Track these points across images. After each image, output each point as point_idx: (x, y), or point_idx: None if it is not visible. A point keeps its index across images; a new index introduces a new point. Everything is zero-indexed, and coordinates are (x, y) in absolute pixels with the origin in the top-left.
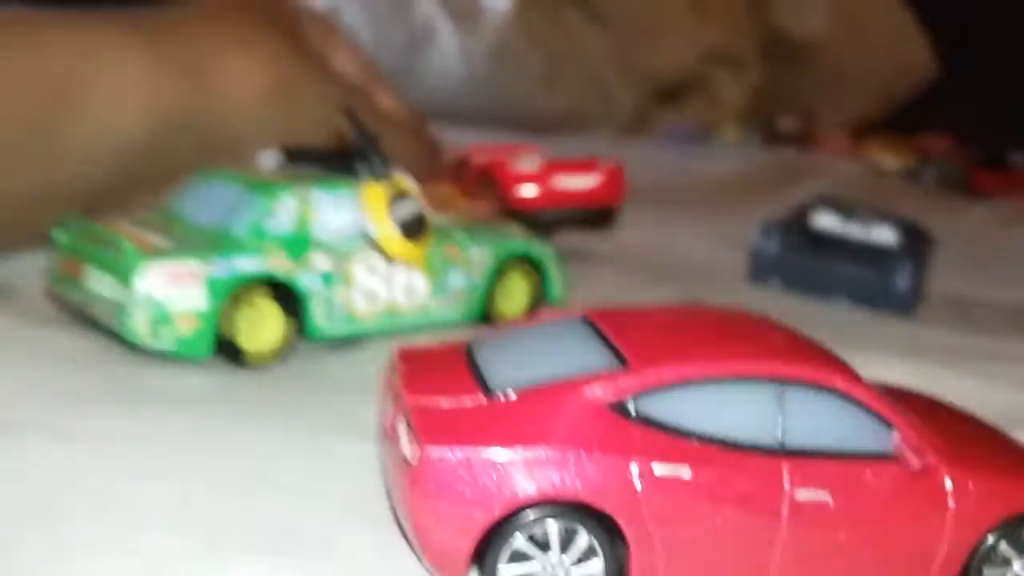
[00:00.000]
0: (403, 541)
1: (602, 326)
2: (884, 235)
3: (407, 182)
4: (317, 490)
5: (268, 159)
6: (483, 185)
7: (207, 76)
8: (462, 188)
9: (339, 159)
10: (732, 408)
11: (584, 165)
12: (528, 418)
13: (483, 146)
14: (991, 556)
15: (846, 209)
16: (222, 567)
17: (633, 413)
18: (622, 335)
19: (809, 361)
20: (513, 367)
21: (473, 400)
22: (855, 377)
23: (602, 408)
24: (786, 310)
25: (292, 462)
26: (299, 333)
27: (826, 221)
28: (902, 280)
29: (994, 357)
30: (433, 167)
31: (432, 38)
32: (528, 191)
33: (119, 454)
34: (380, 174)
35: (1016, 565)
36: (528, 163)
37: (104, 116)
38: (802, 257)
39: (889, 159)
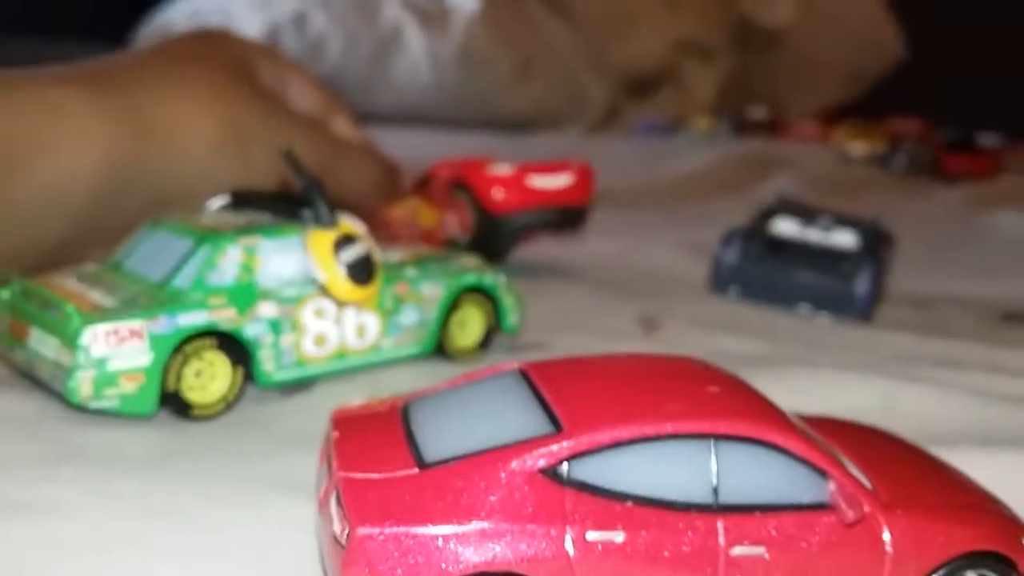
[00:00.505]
0: None
1: (538, 382)
2: (844, 239)
3: (353, 225)
4: (259, 556)
5: (216, 204)
6: (456, 193)
7: (156, 128)
8: (431, 201)
9: (286, 204)
10: (666, 467)
11: (555, 166)
12: (460, 490)
13: (448, 160)
14: None
15: (806, 214)
16: None
17: (567, 478)
18: (558, 394)
19: (743, 415)
20: (447, 433)
21: (405, 472)
22: (789, 428)
23: (535, 475)
24: (746, 320)
25: (234, 527)
26: (248, 380)
27: (785, 227)
28: (861, 286)
29: (953, 362)
30: (394, 190)
31: (400, 41)
32: (504, 192)
33: (63, 525)
34: (325, 219)
35: None
36: (501, 167)
37: (52, 174)
38: (762, 266)
39: (858, 145)
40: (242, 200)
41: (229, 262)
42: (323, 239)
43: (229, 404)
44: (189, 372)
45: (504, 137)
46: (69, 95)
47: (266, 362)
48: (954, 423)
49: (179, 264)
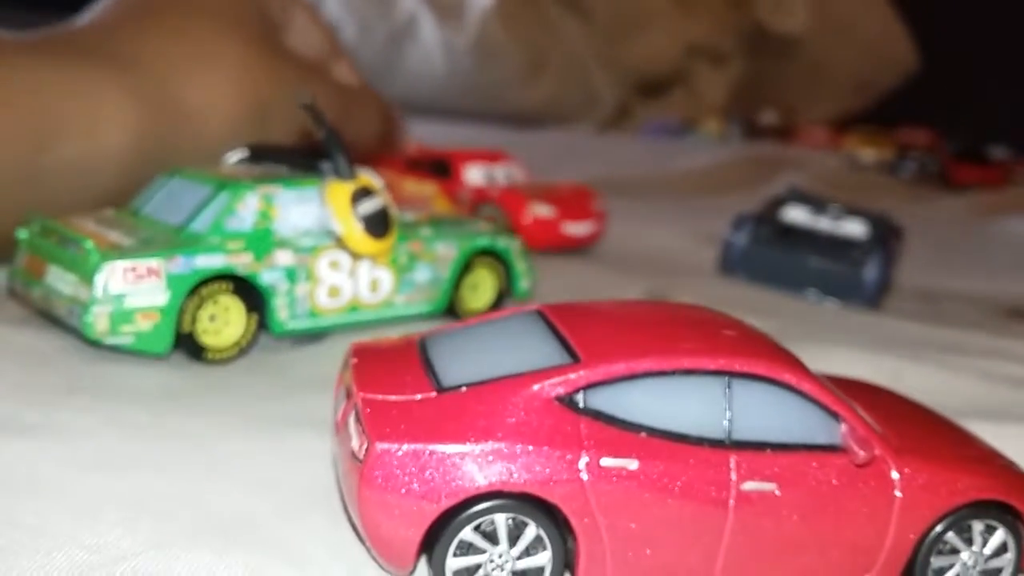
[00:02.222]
0: (354, 534)
1: (555, 321)
2: (853, 228)
3: (372, 178)
4: (270, 484)
5: (233, 157)
6: (487, 209)
7: (181, 106)
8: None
9: (304, 157)
10: (680, 402)
11: (585, 212)
12: (478, 413)
13: (470, 150)
14: (939, 546)
15: (817, 203)
16: (169, 560)
17: (583, 407)
18: (574, 330)
19: (758, 355)
20: (465, 362)
21: (423, 395)
22: (803, 370)
23: (551, 402)
24: (754, 300)
25: (246, 456)
26: (262, 328)
27: (796, 214)
28: (870, 273)
29: (958, 348)
30: (393, 138)
31: (414, 32)
32: (540, 236)
33: (76, 447)
34: (344, 171)
35: (964, 555)
36: (542, 209)
37: (80, 151)
38: (772, 250)
39: (868, 152)
40: (259, 154)
41: (247, 209)
42: (341, 191)
43: (242, 350)
44: (204, 315)
45: (514, 131)
46: (95, 72)
47: (280, 310)
48: (961, 400)
49: (198, 209)
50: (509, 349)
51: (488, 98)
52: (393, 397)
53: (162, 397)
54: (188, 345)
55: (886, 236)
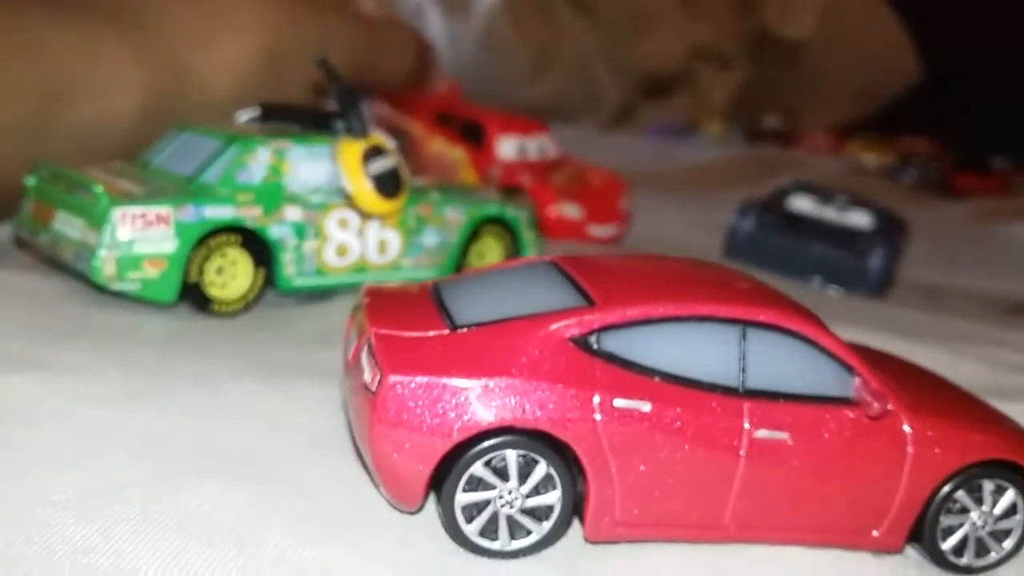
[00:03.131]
0: (360, 473)
1: (569, 269)
2: (859, 219)
3: (383, 138)
4: (277, 425)
5: (244, 115)
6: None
7: (191, 67)
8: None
9: (316, 117)
10: (695, 349)
11: (607, 199)
12: (491, 350)
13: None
14: (949, 505)
15: (823, 194)
16: (174, 489)
17: (597, 349)
18: (589, 277)
19: (774, 305)
20: (479, 304)
21: (437, 332)
22: (819, 323)
23: (566, 343)
24: None
25: (252, 396)
26: (268, 285)
27: (802, 204)
28: (875, 262)
29: (961, 336)
30: (426, 73)
31: (421, 23)
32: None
33: (80, 382)
34: (356, 129)
35: (974, 515)
36: (571, 209)
37: (90, 113)
38: (777, 236)
39: (870, 157)
40: (271, 112)
41: (258, 163)
42: (353, 149)
43: (248, 304)
44: (211, 267)
45: None
46: (105, 34)
47: (288, 266)
48: (966, 381)
49: (208, 161)
50: (523, 293)
51: (492, 93)
52: (407, 333)
53: (168, 341)
54: (194, 296)
55: (891, 229)
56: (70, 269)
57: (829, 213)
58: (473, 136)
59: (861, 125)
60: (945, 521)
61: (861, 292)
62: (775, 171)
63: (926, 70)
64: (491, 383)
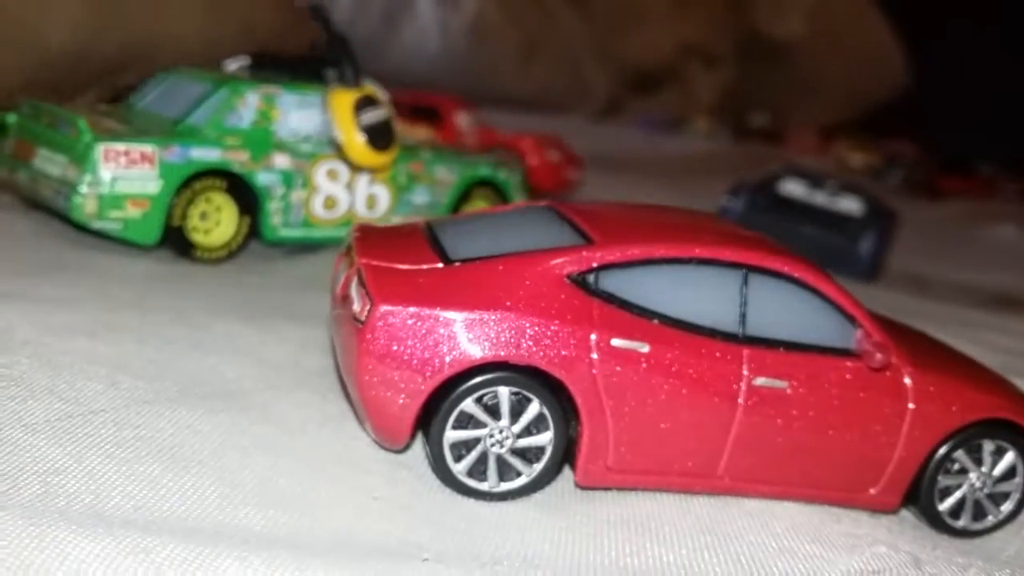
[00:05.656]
0: (347, 411)
1: (568, 212)
2: (849, 205)
3: (376, 89)
4: (259, 361)
5: (234, 64)
6: None
7: None
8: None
9: (308, 67)
10: (696, 292)
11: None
12: (486, 284)
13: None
14: (947, 465)
15: (814, 178)
16: (150, 416)
17: (594, 288)
18: (589, 220)
19: (776, 253)
20: (474, 241)
21: (431, 266)
22: (823, 272)
23: (563, 280)
24: None
25: (235, 334)
26: (253, 235)
27: (793, 188)
28: (867, 246)
29: (951, 319)
30: None
31: (411, 9)
32: None
33: (57, 313)
34: (349, 79)
35: (973, 475)
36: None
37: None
38: (767, 218)
39: (857, 157)
40: (262, 62)
41: (247, 107)
42: (344, 98)
43: (232, 253)
44: (195, 211)
45: (507, 114)
46: None
47: (274, 215)
48: None
49: (196, 103)
50: (520, 232)
51: (480, 81)
52: (398, 265)
53: (149, 280)
54: (177, 241)
55: (881, 215)
56: (50, 207)
57: (819, 198)
58: (431, 116)
59: (847, 127)
60: (943, 481)
61: (852, 275)
62: (763, 165)
63: (913, 75)
64: (485, 317)
